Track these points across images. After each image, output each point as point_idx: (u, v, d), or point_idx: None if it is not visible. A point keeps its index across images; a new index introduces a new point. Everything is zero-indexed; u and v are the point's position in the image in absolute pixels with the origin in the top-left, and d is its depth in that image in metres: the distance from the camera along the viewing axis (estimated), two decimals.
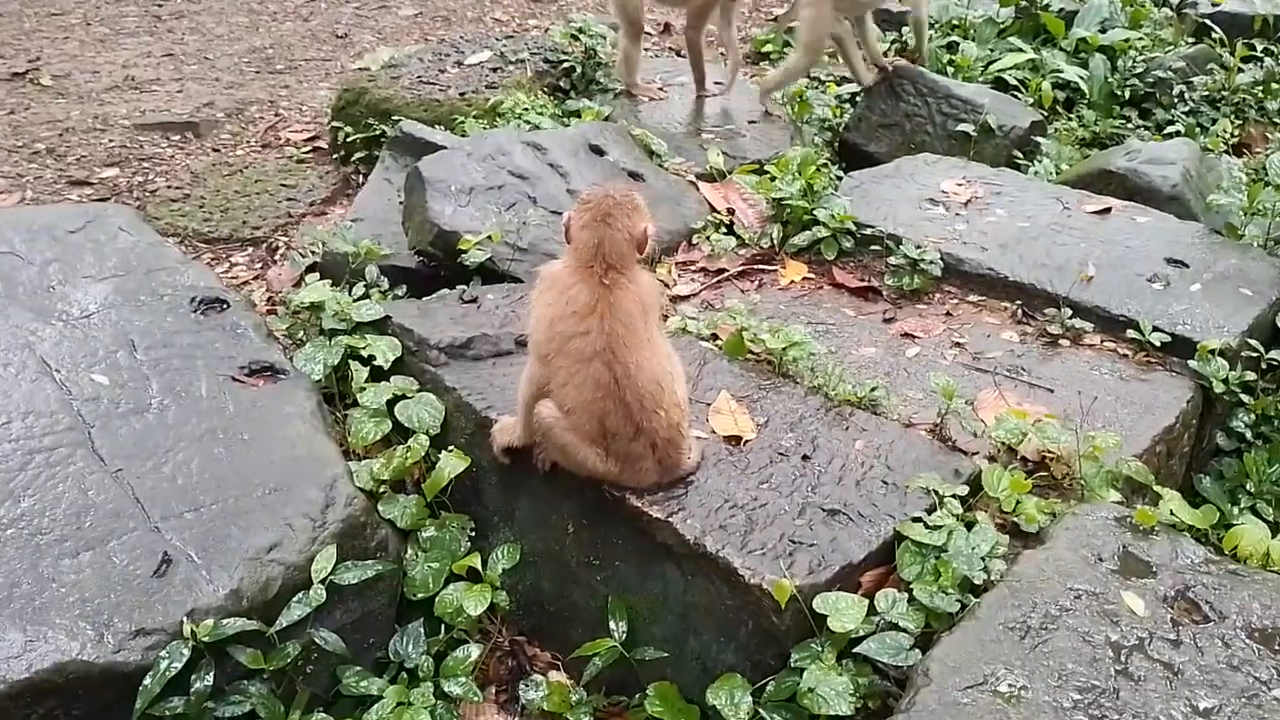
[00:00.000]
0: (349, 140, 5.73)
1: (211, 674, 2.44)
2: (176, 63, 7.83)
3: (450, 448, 3.10)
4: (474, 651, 2.83)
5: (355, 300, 3.53)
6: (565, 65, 6.03)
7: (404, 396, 3.20)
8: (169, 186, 5.78)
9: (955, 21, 7.68)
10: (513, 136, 4.66)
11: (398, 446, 3.11)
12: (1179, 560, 2.63)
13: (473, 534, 3.10)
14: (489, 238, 4.01)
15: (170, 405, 2.93)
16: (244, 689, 2.55)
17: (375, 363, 3.29)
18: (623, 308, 2.62)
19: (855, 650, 2.48)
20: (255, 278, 4.96)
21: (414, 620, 2.92)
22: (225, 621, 2.47)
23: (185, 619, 2.43)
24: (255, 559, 2.61)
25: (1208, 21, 7.58)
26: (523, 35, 6.62)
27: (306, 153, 6.14)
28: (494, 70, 5.99)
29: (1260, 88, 6.99)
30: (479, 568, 2.93)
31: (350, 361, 3.29)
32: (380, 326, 3.44)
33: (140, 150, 6.26)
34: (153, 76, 7.51)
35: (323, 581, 2.62)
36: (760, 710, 2.50)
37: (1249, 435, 3.78)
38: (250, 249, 5.23)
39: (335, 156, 5.94)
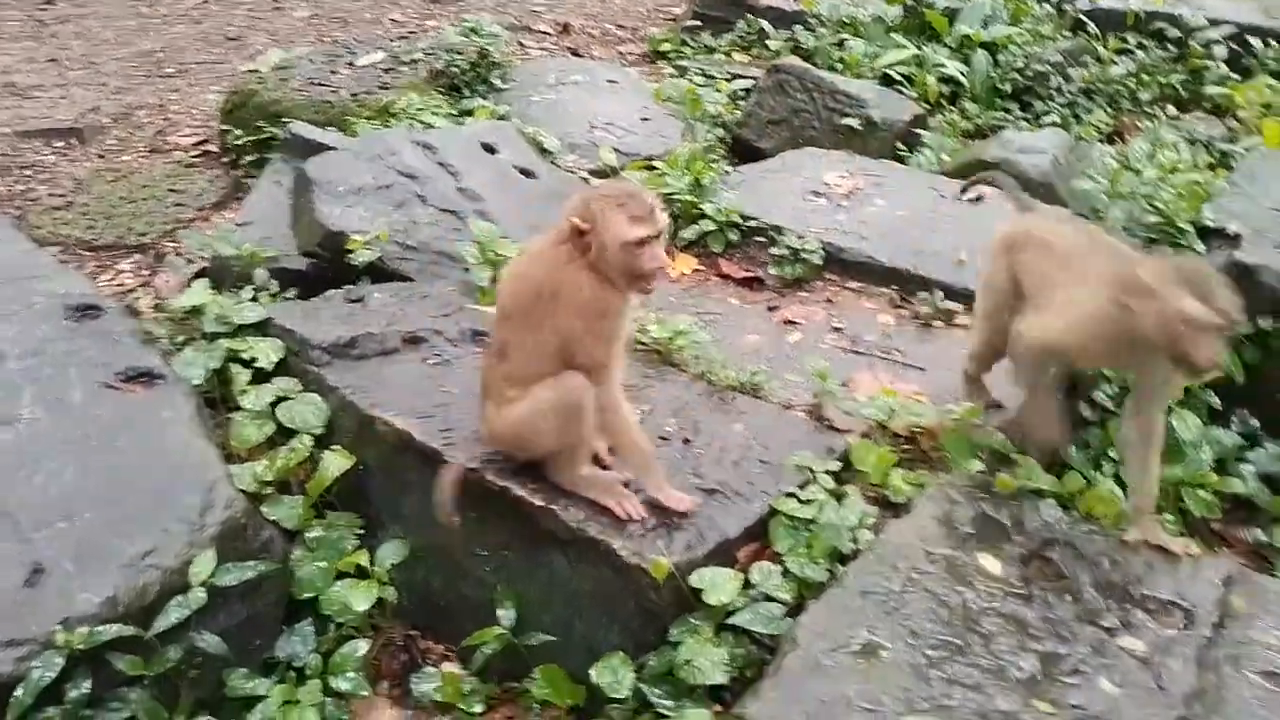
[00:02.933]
0: (238, 143, 5.66)
1: (88, 682, 2.42)
2: (60, 68, 7.61)
3: (335, 447, 3.11)
4: (362, 646, 2.84)
5: (238, 303, 3.51)
6: (459, 65, 6.03)
7: (287, 398, 3.20)
8: (51, 194, 5.63)
9: (845, 19, 7.88)
10: (402, 136, 4.67)
11: (281, 448, 3.11)
12: (1035, 523, 2.79)
13: (361, 532, 3.11)
14: (377, 237, 4.01)
15: (42, 415, 2.89)
16: (124, 696, 2.53)
17: (258, 365, 3.29)
18: None
19: (731, 622, 2.57)
20: (142, 285, 4.87)
21: (302, 620, 2.92)
22: (101, 628, 2.45)
23: (59, 628, 2.41)
24: (131, 565, 2.60)
25: (1083, 17, 7.89)
26: (417, 36, 6.61)
27: (195, 157, 6.04)
28: (387, 71, 5.97)
29: (1133, 79, 7.32)
30: (366, 564, 2.95)
31: (231, 365, 3.28)
32: (263, 329, 3.43)
33: (21, 158, 6.09)
34: (35, 82, 7.29)
35: (202, 584, 2.61)
36: (642, 685, 2.58)
37: (1111, 406, 3.98)
38: (137, 256, 5.12)
39: (225, 160, 5.86)
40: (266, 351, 3.30)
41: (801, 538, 2.76)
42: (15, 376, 2.99)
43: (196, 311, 3.43)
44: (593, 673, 2.61)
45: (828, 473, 2.94)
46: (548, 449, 2.76)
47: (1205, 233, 4.30)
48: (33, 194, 5.65)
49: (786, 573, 2.68)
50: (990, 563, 2.62)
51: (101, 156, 6.18)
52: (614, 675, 2.60)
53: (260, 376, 3.28)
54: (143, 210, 5.47)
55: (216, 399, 3.33)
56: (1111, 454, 3.74)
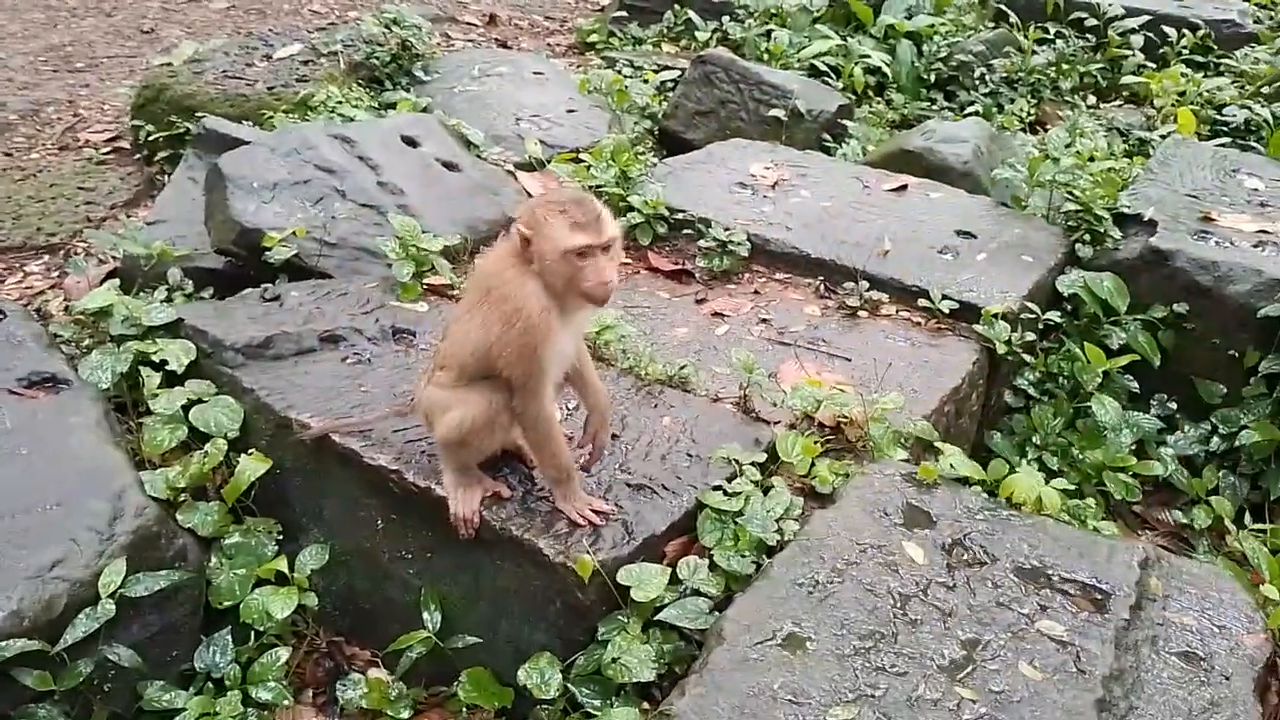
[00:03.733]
0: (151, 139, 5.48)
1: None
2: None
3: (250, 451, 3.02)
4: (283, 654, 2.77)
5: (148, 304, 3.39)
6: (379, 56, 5.92)
7: (200, 401, 3.10)
8: None
9: (772, 10, 7.90)
10: (319, 130, 4.55)
11: (195, 453, 3.01)
12: (957, 510, 2.81)
13: (280, 538, 3.03)
14: (294, 234, 3.91)
15: None
16: (31, 713, 2.45)
17: (169, 368, 3.17)
18: None
19: (659, 618, 2.55)
20: (52, 287, 4.70)
21: (221, 630, 2.83)
22: (4, 644, 2.35)
23: None
24: (37, 577, 2.49)
25: (1004, 7, 8.02)
26: (337, 27, 6.46)
27: (107, 154, 5.84)
28: (305, 63, 5.83)
29: (1053, 68, 7.46)
30: (286, 570, 2.87)
31: (141, 368, 3.16)
32: (174, 330, 3.31)
33: None
34: None
35: (111, 595, 2.52)
36: (570, 685, 2.55)
37: (1034, 392, 4.05)
38: (46, 257, 4.95)
39: (138, 157, 5.68)
40: (177, 353, 3.19)
41: (729, 531, 2.74)
42: None
43: (104, 314, 3.30)
44: (520, 674, 2.57)
45: (754, 464, 2.94)
46: (442, 442, 2.69)
47: (1122, 219, 4.40)
48: None
49: (714, 566, 2.67)
50: (915, 551, 2.63)
51: (8, 155, 5.94)
52: (541, 676, 2.56)
53: (171, 379, 3.17)
54: (52, 210, 5.27)
55: (127, 405, 3.22)
56: (1035, 440, 3.81)
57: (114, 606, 2.51)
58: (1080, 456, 3.87)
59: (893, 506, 2.80)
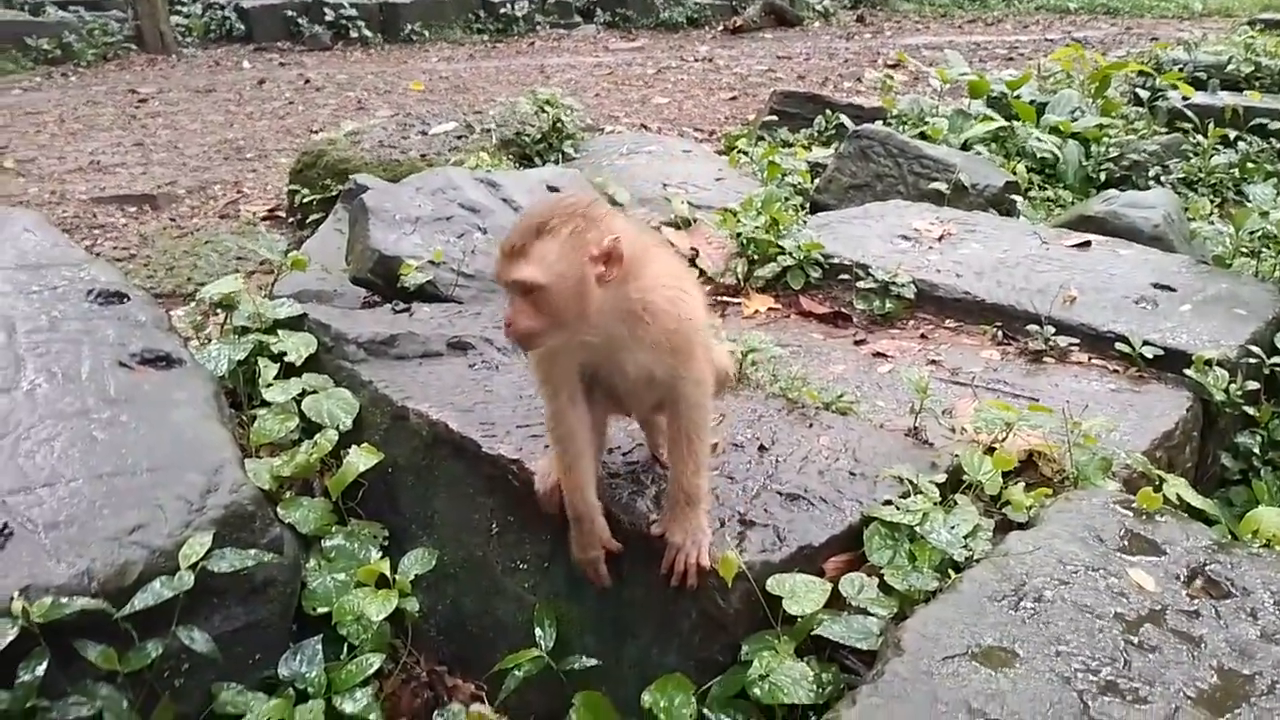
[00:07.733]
0: (305, 201, 5.57)
1: (44, 665, 2.03)
2: (145, 151, 7.78)
3: (363, 444, 2.75)
4: (375, 660, 2.41)
5: (276, 304, 3.24)
6: (530, 134, 5.94)
7: (314, 392, 2.87)
8: (115, 248, 5.58)
9: (926, 115, 7.69)
10: (465, 174, 4.49)
11: (304, 443, 2.76)
12: (1190, 541, 2.26)
13: (385, 543, 2.72)
14: (431, 262, 3.76)
15: (43, 384, 2.60)
16: (91, 691, 2.13)
17: (287, 359, 2.98)
18: None
19: (816, 633, 2.08)
20: (195, 328, 4.69)
21: (312, 638, 2.50)
22: (64, 600, 2.07)
23: (16, 595, 2.04)
24: (114, 539, 2.23)
25: (1183, 108, 7.59)
26: (489, 108, 6.55)
27: (264, 220, 5.98)
28: (459, 138, 5.89)
29: (1236, 169, 6.93)
30: (388, 573, 2.54)
31: (258, 359, 2.98)
32: (297, 325, 3.14)
33: (93, 219, 6.10)
34: (119, 161, 7.44)
35: (191, 568, 2.23)
36: (705, 711, 2.08)
37: (1256, 461, 3.45)
38: (193, 304, 4.97)
39: (292, 220, 5.77)
40: (297, 346, 3.00)
41: (903, 549, 2.27)
42: (22, 349, 2.72)
43: (228, 304, 3.17)
44: (645, 696, 2.12)
45: (932, 483, 2.48)
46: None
47: None
48: (97, 249, 5.60)
49: (885, 586, 2.19)
50: (1143, 577, 2.10)
51: (173, 220, 6.16)
52: (670, 700, 2.11)
53: (289, 372, 2.97)
54: (203, 264, 5.36)
55: (241, 399, 3.03)
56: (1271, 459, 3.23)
57: (192, 578, 2.21)
58: None
59: (1108, 533, 2.27)
